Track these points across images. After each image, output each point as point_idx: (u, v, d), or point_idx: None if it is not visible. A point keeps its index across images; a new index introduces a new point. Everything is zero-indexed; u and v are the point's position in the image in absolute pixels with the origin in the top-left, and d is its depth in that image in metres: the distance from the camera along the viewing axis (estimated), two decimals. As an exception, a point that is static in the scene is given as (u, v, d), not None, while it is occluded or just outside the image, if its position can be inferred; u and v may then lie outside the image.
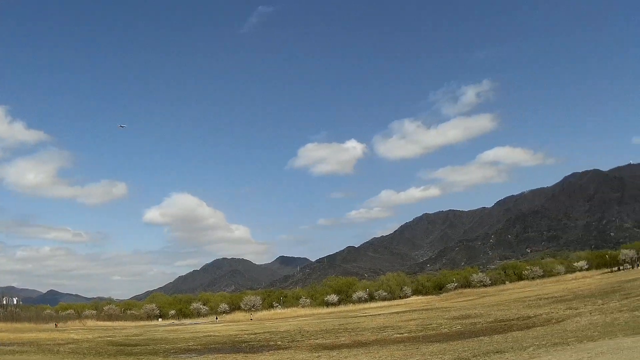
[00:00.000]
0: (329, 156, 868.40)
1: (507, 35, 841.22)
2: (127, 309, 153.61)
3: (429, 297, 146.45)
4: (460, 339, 32.57)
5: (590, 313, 36.15)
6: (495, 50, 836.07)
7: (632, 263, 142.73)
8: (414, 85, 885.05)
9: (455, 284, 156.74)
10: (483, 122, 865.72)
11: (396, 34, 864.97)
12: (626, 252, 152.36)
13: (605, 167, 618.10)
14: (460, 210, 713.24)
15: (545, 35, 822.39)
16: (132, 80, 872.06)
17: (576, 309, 41.31)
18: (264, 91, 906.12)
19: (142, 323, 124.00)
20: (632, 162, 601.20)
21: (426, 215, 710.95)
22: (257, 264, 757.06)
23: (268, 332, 59.67)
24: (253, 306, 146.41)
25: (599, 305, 41.67)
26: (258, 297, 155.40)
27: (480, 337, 31.80)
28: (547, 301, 58.57)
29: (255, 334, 57.59)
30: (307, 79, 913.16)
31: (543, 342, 25.02)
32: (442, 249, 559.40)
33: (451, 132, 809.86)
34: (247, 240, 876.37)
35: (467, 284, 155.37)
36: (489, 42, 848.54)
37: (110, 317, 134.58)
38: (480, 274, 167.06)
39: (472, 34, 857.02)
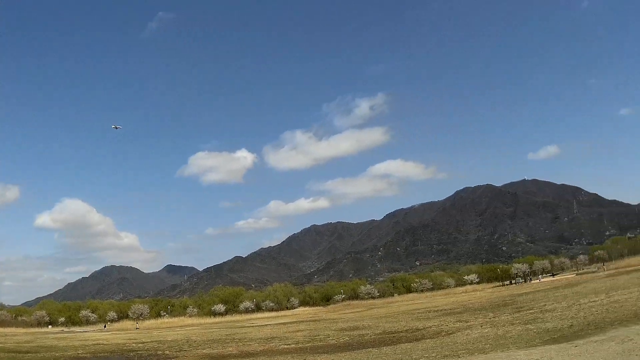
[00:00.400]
0: (219, 165, 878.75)
1: (404, 50, 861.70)
2: (18, 315, 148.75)
3: (316, 308, 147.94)
4: (348, 351, 32.48)
5: (482, 326, 36.73)
6: (392, 64, 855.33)
7: (525, 277, 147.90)
8: (308, 96, 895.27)
9: (343, 296, 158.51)
10: (375, 135, 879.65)
11: (292, 45, 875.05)
12: (518, 266, 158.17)
13: (499, 182, 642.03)
14: (349, 222, 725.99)
15: (440, 51, 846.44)
16: (28, 83, 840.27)
17: (467, 322, 41.96)
18: (158, 97, 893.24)
19: (32, 330, 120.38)
20: (526, 177, 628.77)
21: (314, 226, 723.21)
22: (145, 272, 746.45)
23: (156, 341, 59.05)
24: (141, 315, 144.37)
25: (490, 318, 42.50)
26: (146, 306, 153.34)
27: (369, 349, 31.81)
28: (437, 314, 59.56)
29: (144, 342, 56.92)
30: (200, 86, 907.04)
31: (433, 355, 25.18)
32: (329, 261, 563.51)
33: (343, 144, 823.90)
34: (136, 248, 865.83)
35: (355, 296, 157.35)
36: (386, 56, 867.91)
37: (1, 324, 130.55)
38: (368, 286, 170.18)
39: (370, 47, 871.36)
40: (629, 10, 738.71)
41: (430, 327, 42.08)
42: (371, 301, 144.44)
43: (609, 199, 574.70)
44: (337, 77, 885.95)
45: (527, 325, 32.16)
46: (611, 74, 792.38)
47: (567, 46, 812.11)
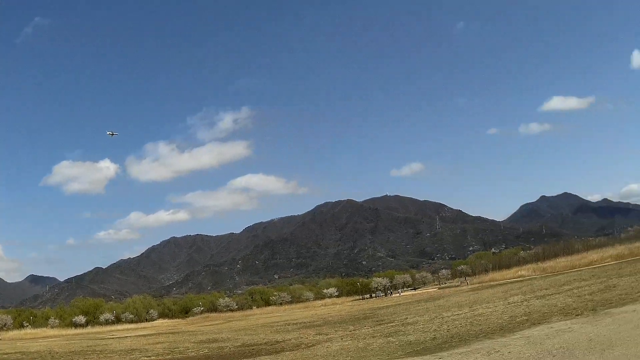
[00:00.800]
0: (82, 175, 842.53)
1: (270, 65, 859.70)
2: None
3: (175, 320, 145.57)
4: (206, 363, 31.42)
5: (342, 338, 36.20)
6: (258, 78, 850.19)
7: (385, 291, 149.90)
8: (172, 108, 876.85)
9: (202, 308, 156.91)
10: (238, 149, 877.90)
11: (159, 56, 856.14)
12: (379, 280, 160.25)
13: (361, 198, 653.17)
14: (208, 234, 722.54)
15: (306, 67, 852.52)
16: None
17: (327, 335, 41.40)
18: (26, 104, 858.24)
19: None
20: (388, 194, 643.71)
21: (174, 238, 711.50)
22: (8, 281, 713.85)
23: (19, 352, 55.77)
24: (4, 325, 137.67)
25: (350, 331, 42.11)
26: (9, 316, 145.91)
27: (227, 362, 30.96)
28: (296, 326, 58.97)
29: (7, 354, 53.63)
30: (69, 94, 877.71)
31: (293, 367, 24.39)
32: (188, 273, 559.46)
33: (205, 157, 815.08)
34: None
35: (214, 309, 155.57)
36: (252, 70, 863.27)
37: None
38: (226, 298, 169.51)
39: (237, 60, 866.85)
40: (500, 33, 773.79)
41: (290, 339, 41.26)
42: (230, 314, 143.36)
43: (474, 215, 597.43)
44: (203, 90, 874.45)
45: (389, 338, 31.85)
46: (480, 95, 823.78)
47: (436, 65, 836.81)
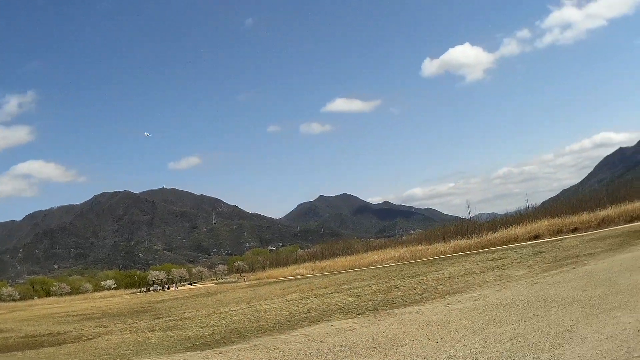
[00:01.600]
0: None
1: (59, 48, 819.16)
2: None
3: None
4: (-12, 354, 30.45)
5: (122, 331, 36.24)
6: (46, 61, 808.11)
7: (162, 284, 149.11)
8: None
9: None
10: (20, 134, 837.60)
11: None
12: (156, 274, 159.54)
13: (138, 189, 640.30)
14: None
15: (95, 54, 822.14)
16: None
17: (107, 327, 41.14)
18: None
19: None
20: (165, 186, 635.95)
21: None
22: None
23: None
24: None
25: (129, 324, 42.09)
26: None
27: (14, 352, 29.86)
28: (77, 318, 57.68)
29: None
30: None
31: (75, 359, 24.60)
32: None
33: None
34: None
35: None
36: (40, 53, 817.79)
37: None
38: (9, 288, 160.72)
39: (24, 42, 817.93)
40: (289, 32, 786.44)
41: (71, 331, 40.68)
42: (13, 303, 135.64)
43: (250, 212, 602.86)
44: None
45: (168, 332, 32.15)
46: (263, 92, 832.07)
47: (220, 61, 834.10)
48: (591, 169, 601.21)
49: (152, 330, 34.72)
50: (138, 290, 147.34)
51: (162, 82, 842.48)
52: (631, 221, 69.19)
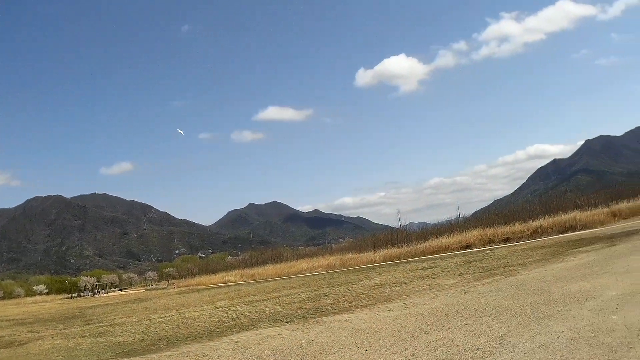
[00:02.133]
0: None
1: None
2: None
3: None
4: None
5: (53, 337, 36.11)
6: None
7: (93, 290, 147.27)
8: None
9: None
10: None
11: None
12: (87, 279, 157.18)
13: (70, 194, 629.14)
14: None
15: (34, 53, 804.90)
16: None
17: (38, 333, 40.95)
18: None
19: None
20: (97, 191, 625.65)
21: None
22: None
23: None
24: None
25: (60, 330, 41.89)
26: None
27: None
28: (9, 323, 56.96)
29: None
30: None
31: (8, 365, 24.83)
32: None
33: None
34: None
35: None
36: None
37: None
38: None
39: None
40: (223, 36, 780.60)
41: (4, 336, 40.38)
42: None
43: (180, 218, 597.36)
44: None
45: (98, 338, 32.29)
46: (196, 98, 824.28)
47: (155, 66, 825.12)
48: (524, 180, 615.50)
49: (82, 337, 34.71)
50: (69, 295, 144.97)
51: (96, 87, 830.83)
52: (564, 232, 70.84)
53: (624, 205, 78.43)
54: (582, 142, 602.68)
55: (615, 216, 75.31)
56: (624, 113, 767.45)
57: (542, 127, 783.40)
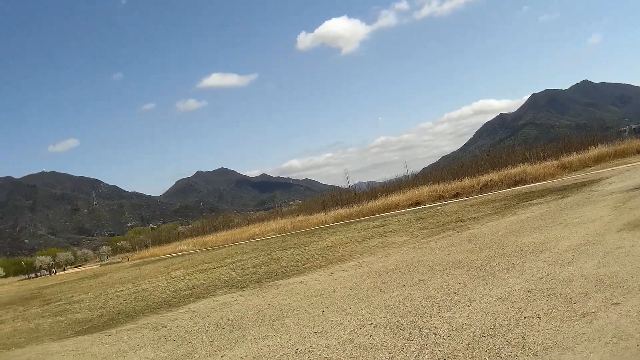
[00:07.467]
0: None
1: None
2: None
3: None
4: None
5: (14, 320, 35.07)
6: None
7: (49, 269, 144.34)
8: None
9: None
10: None
11: None
12: (42, 259, 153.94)
13: (19, 174, 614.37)
14: None
15: None
16: None
17: (-1, 317, 40.02)
18: None
19: None
20: (45, 170, 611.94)
21: None
22: None
23: None
24: None
25: (20, 312, 40.67)
26: None
27: None
28: (-32, 309, 55.55)
29: None
30: None
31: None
32: None
33: None
34: None
35: None
36: None
37: None
38: None
39: None
40: (162, 10, 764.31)
41: None
42: None
43: (129, 191, 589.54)
44: None
45: (58, 317, 31.28)
46: (138, 70, 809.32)
47: (94, 40, 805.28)
48: (471, 136, 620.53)
49: (42, 317, 33.60)
50: (26, 276, 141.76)
51: (38, 64, 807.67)
52: (514, 185, 69.20)
53: (573, 157, 78.07)
54: (528, 96, 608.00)
55: (566, 168, 74.77)
56: (568, 68, 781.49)
57: (487, 82, 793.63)
